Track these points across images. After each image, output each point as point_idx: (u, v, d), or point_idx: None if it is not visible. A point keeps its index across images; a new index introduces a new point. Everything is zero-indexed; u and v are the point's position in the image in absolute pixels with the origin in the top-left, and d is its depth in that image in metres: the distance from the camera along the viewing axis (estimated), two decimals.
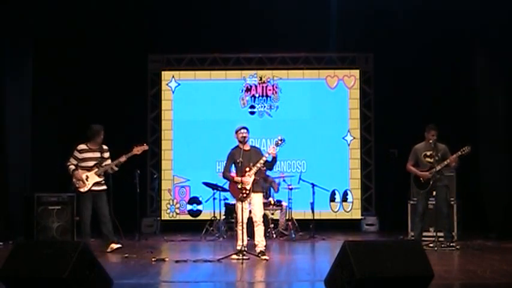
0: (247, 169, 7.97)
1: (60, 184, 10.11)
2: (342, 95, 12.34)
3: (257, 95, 12.34)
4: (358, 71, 12.39)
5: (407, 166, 9.05)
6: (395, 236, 9.84)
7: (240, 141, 8.15)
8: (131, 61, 11.85)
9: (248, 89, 12.35)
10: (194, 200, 12.02)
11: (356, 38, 11.90)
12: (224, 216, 10.54)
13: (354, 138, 12.24)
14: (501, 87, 10.61)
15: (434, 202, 9.03)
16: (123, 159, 8.73)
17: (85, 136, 8.93)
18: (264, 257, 7.82)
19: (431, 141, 8.78)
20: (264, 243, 8.06)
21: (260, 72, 12.39)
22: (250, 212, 8.18)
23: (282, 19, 11.28)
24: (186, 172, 12.22)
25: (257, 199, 8.08)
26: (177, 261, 7.59)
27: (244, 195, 7.93)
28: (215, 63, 12.48)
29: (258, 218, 8.04)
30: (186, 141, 12.28)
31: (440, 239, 8.73)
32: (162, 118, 12.37)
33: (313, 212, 10.74)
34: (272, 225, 10.40)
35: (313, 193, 10.70)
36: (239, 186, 7.90)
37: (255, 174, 7.99)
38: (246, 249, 7.76)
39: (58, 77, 11.52)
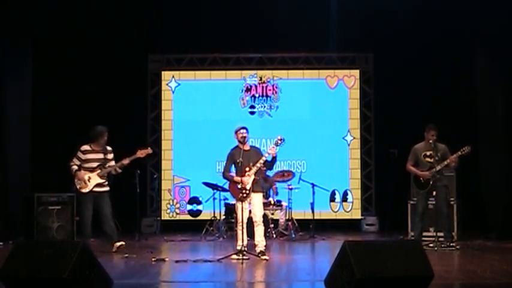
0: (247, 169, 7.97)
1: (60, 184, 10.11)
2: (342, 95, 12.34)
3: (257, 95, 12.34)
4: (358, 71, 12.38)
5: (407, 166, 9.05)
6: (395, 236, 9.84)
7: (239, 141, 8.15)
8: (131, 61, 11.85)
9: (248, 89, 12.35)
10: (194, 200, 12.02)
11: (356, 38, 11.89)
12: (224, 216, 10.54)
13: (354, 138, 12.24)
14: (501, 87, 10.61)
15: (434, 202, 9.03)
16: (126, 161, 8.71)
17: (88, 136, 8.91)
18: (264, 257, 7.82)
19: (431, 141, 8.78)
20: (264, 243, 8.06)
21: (260, 72, 12.39)
22: (250, 212, 8.18)
23: (282, 19, 11.28)
24: (186, 172, 12.22)
25: (257, 199, 8.08)
26: (177, 261, 7.59)
27: (244, 195, 7.92)
28: (215, 63, 12.48)
29: (258, 218, 8.04)
30: (186, 141, 12.28)
31: (440, 239, 8.73)
32: (162, 118, 12.37)
33: (313, 212, 10.74)
34: (272, 225, 10.40)
35: (313, 193, 10.71)
36: (239, 186, 7.89)
37: (255, 174, 7.99)
38: (246, 249, 7.76)
39: (58, 77, 11.52)
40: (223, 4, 11.52)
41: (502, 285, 6.11)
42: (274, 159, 8.04)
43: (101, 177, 8.63)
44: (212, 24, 11.72)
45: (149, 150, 8.91)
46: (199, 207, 11.97)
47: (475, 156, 9.84)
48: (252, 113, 12.30)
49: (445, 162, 8.68)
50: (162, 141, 12.35)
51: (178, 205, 12.24)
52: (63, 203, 9.67)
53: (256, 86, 12.36)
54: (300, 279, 6.73)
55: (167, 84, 12.43)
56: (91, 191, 8.57)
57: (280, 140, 7.98)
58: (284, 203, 10.69)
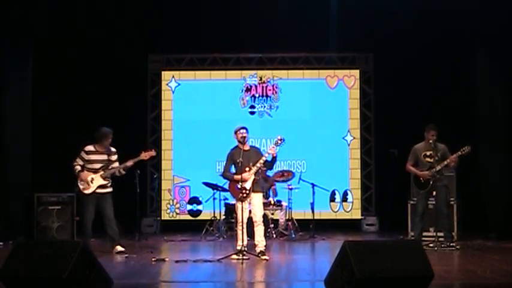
0: (247, 169, 7.96)
1: (60, 184, 10.12)
2: (342, 95, 12.34)
3: (257, 95, 12.34)
4: (358, 71, 12.39)
5: (407, 166, 9.05)
6: (395, 236, 9.84)
7: (239, 141, 8.14)
8: (131, 61, 11.85)
9: (248, 89, 12.35)
10: (194, 200, 12.02)
11: (356, 38, 11.89)
12: (224, 216, 10.54)
13: (354, 138, 12.24)
14: (501, 87, 10.61)
15: (434, 202, 9.03)
16: (130, 163, 8.69)
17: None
18: (264, 257, 7.82)
19: (431, 141, 8.78)
20: (264, 243, 8.06)
21: (260, 72, 12.39)
22: (250, 212, 8.18)
23: (282, 19, 11.28)
24: (186, 172, 12.22)
25: (257, 199, 8.08)
26: (177, 261, 7.59)
27: (244, 195, 7.92)
28: (215, 63, 12.48)
29: (258, 218, 8.04)
30: (186, 141, 12.28)
31: (440, 239, 8.72)
32: (162, 118, 12.37)
33: (313, 212, 10.74)
34: (272, 225, 10.40)
35: (313, 193, 10.70)
36: (239, 186, 7.89)
37: (255, 174, 7.99)
38: (246, 249, 7.76)
39: (58, 77, 11.53)
40: (223, 4, 11.52)
41: (502, 285, 6.11)
42: (274, 159, 8.04)
43: (104, 178, 8.59)
44: (212, 24, 11.72)
45: (153, 153, 8.93)
46: (199, 207, 11.97)
47: (475, 156, 9.84)
48: (252, 113, 12.30)
49: (445, 162, 8.68)
50: (162, 141, 12.35)
51: (178, 205, 12.24)
52: (63, 203, 9.67)
53: (256, 86, 12.36)
54: (300, 279, 6.73)
55: (167, 84, 12.43)
56: (93, 192, 8.54)
57: (280, 140, 7.98)
58: (284, 203, 10.69)
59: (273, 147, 7.99)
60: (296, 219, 10.75)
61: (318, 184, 10.85)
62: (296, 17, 11.42)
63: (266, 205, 10.05)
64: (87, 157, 8.61)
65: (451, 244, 8.72)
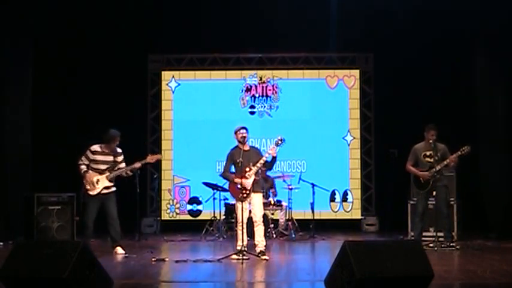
0: (247, 169, 7.96)
1: (60, 184, 10.11)
2: (342, 95, 12.34)
3: (257, 95, 12.34)
4: (358, 71, 12.39)
5: (407, 166, 9.04)
6: (395, 236, 9.83)
7: (239, 142, 8.14)
8: (131, 61, 11.85)
9: (248, 89, 12.35)
10: (194, 200, 12.02)
11: (356, 38, 11.89)
12: (224, 216, 10.54)
13: (354, 138, 12.25)
14: (501, 87, 10.61)
15: (434, 202, 9.03)
16: (138, 165, 8.68)
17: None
18: (264, 257, 7.82)
19: (431, 141, 8.78)
20: (264, 243, 8.06)
21: (260, 72, 12.39)
22: (250, 212, 8.18)
23: (282, 19, 11.28)
24: (186, 172, 12.22)
25: (257, 199, 8.07)
26: (177, 261, 7.59)
27: (245, 195, 7.92)
28: (215, 63, 12.48)
29: (258, 218, 8.04)
30: (186, 141, 12.28)
31: (440, 239, 8.72)
32: (162, 118, 12.37)
33: (313, 212, 10.74)
34: (272, 225, 10.40)
35: (313, 193, 10.70)
36: (239, 186, 7.89)
37: (255, 174, 7.98)
38: (246, 249, 7.76)
39: (58, 77, 11.53)
40: (223, 4, 11.52)
41: (502, 285, 6.10)
42: (274, 159, 8.04)
43: (109, 180, 8.56)
44: (212, 24, 11.72)
45: (159, 156, 9.06)
46: (199, 207, 11.98)
47: (475, 156, 9.84)
48: (252, 113, 12.30)
49: (445, 162, 8.67)
50: (162, 141, 12.35)
51: (178, 205, 12.24)
52: (63, 203, 9.66)
53: (256, 86, 12.36)
54: (300, 279, 6.72)
55: (167, 84, 12.43)
56: (98, 193, 8.53)
57: (281, 140, 7.97)
58: (284, 203, 10.69)
59: (273, 147, 7.98)
60: (296, 219, 10.75)
61: (318, 184, 10.85)
62: (296, 17, 11.42)
63: (266, 205, 10.05)
64: (92, 157, 8.56)
65: (451, 244, 8.71)
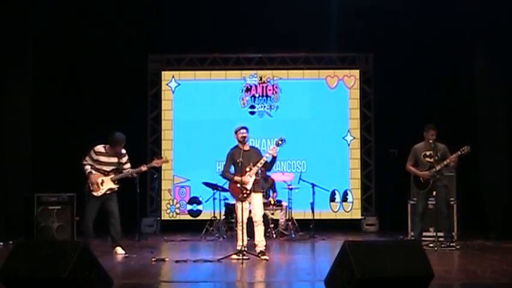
0: (248, 169, 7.96)
1: (60, 184, 10.11)
2: (342, 95, 12.34)
3: (257, 95, 12.35)
4: (358, 71, 12.39)
5: (407, 166, 9.04)
6: (395, 236, 9.83)
7: (239, 141, 8.13)
8: (131, 61, 11.85)
9: (248, 89, 12.36)
10: (194, 200, 12.02)
11: (356, 38, 11.90)
12: (224, 216, 10.54)
13: (354, 138, 12.25)
14: (501, 87, 10.61)
15: (434, 202, 9.03)
16: (144, 168, 8.68)
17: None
18: (264, 257, 7.82)
19: (430, 141, 8.77)
20: (264, 243, 8.06)
21: (260, 72, 12.39)
22: (250, 212, 8.17)
23: (282, 19, 11.29)
24: (186, 172, 12.22)
25: (257, 199, 8.07)
26: (177, 261, 7.59)
27: (245, 195, 7.92)
28: (215, 63, 12.48)
29: (258, 218, 8.03)
30: (186, 141, 12.29)
31: (440, 239, 8.72)
32: (162, 118, 12.38)
33: (313, 212, 10.74)
34: (272, 225, 10.40)
35: (313, 193, 10.71)
36: (239, 186, 7.88)
37: (255, 174, 7.98)
38: (246, 249, 7.76)
39: (58, 77, 11.53)
40: (223, 4, 11.52)
41: (502, 285, 6.10)
42: (274, 159, 8.04)
43: (114, 182, 8.53)
44: (212, 24, 11.73)
45: (165, 160, 9.12)
46: (199, 207, 11.98)
47: (475, 156, 9.84)
48: (252, 113, 12.30)
49: (445, 162, 8.67)
50: (162, 141, 12.35)
51: (178, 205, 12.25)
52: (63, 203, 9.66)
53: (256, 86, 12.36)
54: (300, 279, 6.72)
55: (167, 84, 12.43)
56: (102, 194, 8.50)
57: (281, 140, 7.97)
58: (284, 203, 10.70)
59: (274, 147, 7.98)
60: (296, 219, 10.75)
61: (318, 184, 10.85)
62: (296, 17, 11.42)
63: (266, 205, 10.05)
64: (96, 157, 8.51)
65: (451, 244, 8.71)
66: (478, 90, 11.03)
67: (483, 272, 6.66)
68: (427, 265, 5.28)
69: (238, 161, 7.92)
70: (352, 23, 11.50)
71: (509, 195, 10.34)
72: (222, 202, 10.46)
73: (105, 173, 8.51)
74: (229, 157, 8.15)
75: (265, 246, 8.10)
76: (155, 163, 8.83)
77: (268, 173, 10.07)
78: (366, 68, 12.41)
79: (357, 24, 11.57)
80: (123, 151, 8.66)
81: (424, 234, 9.20)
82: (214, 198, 10.53)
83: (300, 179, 10.89)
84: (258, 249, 7.97)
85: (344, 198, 12.15)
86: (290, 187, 10.68)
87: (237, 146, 8.17)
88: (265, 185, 10.23)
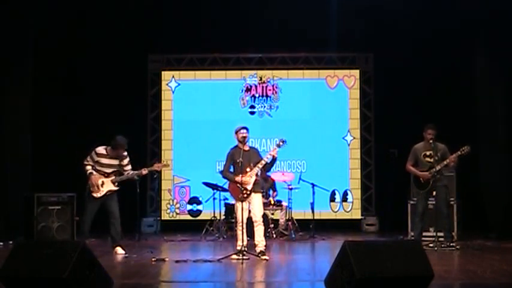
0: (248, 169, 7.96)
1: (60, 184, 10.11)
2: (342, 95, 12.34)
3: (257, 95, 12.35)
4: (358, 71, 12.39)
5: (407, 166, 9.04)
6: (395, 236, 9.83)
7: (239, 141, 8.13)
8: (131, 61, 11.85)
9: (248, 89, 12.36)
10: (194, 200, 12.02)
11: (356, 38, 11.90)
12: (224, 216, 10.54)
13: (354, 138, 12.25)
14: (501, 87, 10.61)
15: (434, 202, 9.03)
16: (145, 171, 8.69)
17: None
18: (264, 257, 7.81)
19: (430, 141, 8.77)
20: (264, 243, 8.05)
21: (260, 72, 12.39)
22: (249, 212, 8.17)
23: (282, 19, 11.29)
24: (186, 172, 12.22)
25: (257, 199, 8.06)
26: (177, 261, 7.58)
27: (245, 195, 7.91)
28: (215, 63, 12.48)
29: (257, 218, 8.03)
30: (186, 141, 12.29)
31: (440, 239, 8.72)
32: (162, 118, 12.38)
33: (313, 212, 10.74)
34: (272, 225, 10.40)
35: (313, 193, 10.71)
36: (239, 186, 7.88)
37: (255, 175, 7.98)
38: (246, 249, 7.76)
39: (58, 77, 11.53)
40: (223, 4, 11.52)
41: (502, 285, 6.10)
42: (274, 160, 8.03)
43: (114, 184, 8.51)
44: (212, 24, 11.73)
45: (165, 164, 9.22)
46: (199, 207, 11.98)
47: (475, 156, 9.84)
48: (252, 113, 12.30)
49: (445, 162, 8.67)
50: (162, 141, 12.35)
51: (178, 205, 12.25)
52: (63, 203, 9.66)
53: (256, 86, 12.36)
54: (300, 279, 6.72)
55: (167, 84, 12.43)
56: (102, 196, 8.50)
57: (282, 141, 7.97)
58: (284, 203, 10.69)
59: (275, 148, 7.98)
60: (296, 219, 10.75)
61: (318, 184, 10.85)
62: (296, 17, 11.42)
63: (266, 205, 10.05)
64: (96, 158, 8.49)
65: (451, 244, 8.71)
66: (478, 90, 11.03)
67: (483, 272, 6.66)
68: (427, 265, 5.28)
69: (238, 161, 7.92)
70: (352, 23, 11.49)
71: (509, 195, 10.34)
72: (222, 202, 10.46)
73: (106, 175, 8.50)
74: (229, 157, 8.15)
75: (265, 246, 8.10)
76: (156, 167, 8.86)
77: (268, 173, 10.06)
78: (366, 68, 12.41)
79: (357, 24, 11.56)
80: (125, 153, 8.64)
81: (424, 234, 9.20)
82: (214, 198, 10.53)
83: (300, 179, 10.89)
84: (258, 249, 7.97)
85: (344, 198, 12.15)
86: (290, 187, 10.68)
87: (237, 146, 8.17)
88: (265, 185, 10.23)
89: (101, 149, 8.53)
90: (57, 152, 11.13)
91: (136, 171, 8.65)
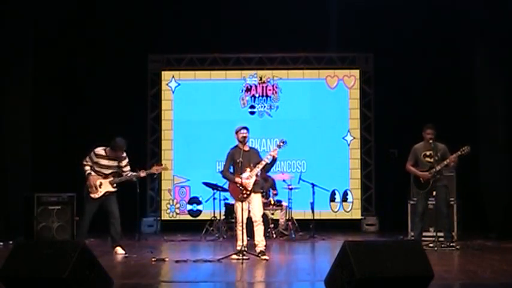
0: (248, 170, 7.95)
1: (60, 184, 10.11)
2: (342, 95, 12.34)
3: (257, 95, 12.34)
4: (358, 71, 12.38)
5: (407, 166, 9.04)
6: (395, 236, 9.83)
7: (240, 141, 8.12)
8: (131, 61, 11.86)
9: (248, 89, 12.35)
10: (194, 200, 12.02)
11: (356, 38, 11.90)
12: (224, 216, 10.54)
13: (354, 138, 12.25)
14: (501, 87, 10.61)
15: (434, 202, 9.03)
16: (143, 174, 8.69)
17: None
18: (264, 257, 7.81)
19: (430, 141, 8.77)
20: (264, 243, 8.05)
21: (260, 72, 12.39)
22: (249, 212, 8.16)
23: (282, 19, 11.29)
24: (186, 172, 12.22)
25: (256, 199, 8.06)
26: (177, 261, 7.58)
27: (245, 195, 7.91)
28: (215, 63, 12.47)
29: (257, 218, 8.02)
30: (186, 141, 12.28)
31: (440, 239, 8.71)
32: (162, 118, 12.37)
33: (313, 212, 10.74)
34: (272, 225, 10.40)
35: (313, 193, 10.70)
36: (239, 186, 7.88)
37: (255, 175, 7.98)
38: (246, 249, 7.76)
39: (58, 77, 11.53)
40: (223, 4, 11.52)
41: (502, 285, 6.10)
42: (273, 161, 8.03)
43: (112, 185, 8.50)
44: (212, 24, 11.73)
45: (164, 167, 9.15)
46: (199, 207, 11.98)
47: (475, 156, 9.84)
48: (252, 113, 12.30)
49: (445, 162, 8.66)
50: (162, 141, 12.35)
51: (178, 205, 12.24)
52: (63, 203, 9.66)
53: (256, 86, 12.36)
54: (300, 279, 6.72)
55: (167, 84, 12.43)
56: (100, 197, 8.49)
57: (283, 142, 7.97)
58: (284, 203, 10.69)
59: (275, 149, 7.98)
60: (296, 219, 10.75)
61: (318, 184, 10.85)
62: (296, 17, 11.42)
63: (266, 205, 10.06)
64: (95, 159, 8.48)
65: (451, 244, 8.71)
66: (478, 90, 11.03)
67: (483, 272, 6.66)
68: (427, 265, 5.28)
69: (238, 161, 7.92)
70: (352, 23, 11.50)
71: (509, 195, 10.34)
72: (222, 202, 10.46)
73: (104, 176, 8.50)
74: (229, 157, 8.15)
75: (265, 246, 8.09)
76: (154, 169, 8.83)
77: (268, 173, 10.06)
78: (366, 68, 12.41)
79: (357, 24, 11.57)
80: (124, 154, 8.62)
81: (424, 234, 9.20)
82: (214, 198, 10.53)
83: (300, 179, 10.89)
84: (258, 249, 7.96)
85: (344, 198, 12.15)
86: (290, 187, 10.68)
87: (237, 146, 8.16)
88: (265, 185, 10.23)
89: (100, 150, 8.52)
90: (57, 152, 11.14)
91: (134, 173, 8.64)
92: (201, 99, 12.34)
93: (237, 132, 8.12)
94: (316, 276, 6.62)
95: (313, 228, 10.55)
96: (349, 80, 12.36)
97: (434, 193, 8.85)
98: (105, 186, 8.48)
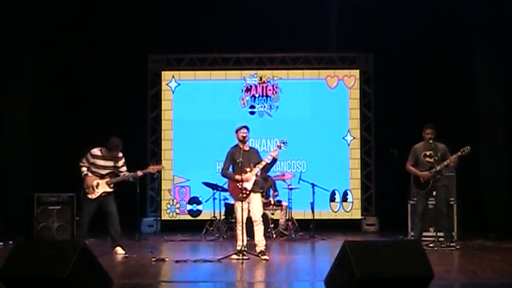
0: (248, 169, 7.95)
1: (60, 184, 10.11)
2: (342, 95, 12.34)
3: (257, 95, 12.34)
4: (358, 71, 12.38)
5: (407, 166, 9.03)
6: (395, 236, 9.83)
7: (240, 141, 8.12)
8: (131, 61, 11.86)
9: (248, 89, 12.35)
10: (194, 200, 12.02)
11: (356, 38, 11.90)
12: (224, 216, 10.54)
13: (354, 138, 12.24)
14: (501, 87, 10.61)
15: (434, 202, 9.02)
16: (140, 173, 8.69)
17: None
18: (264, 257, 7.81)
19: (430, 141, 8.77)
20: (264, 243, 8.05)
21: (260, 72, 12.39)
22: (249, 211, 8.16)
23: (282, 19, 11.29)
24: (186, 172, 12.22)
25: (256, 199, 8.06)
26: (177, 261, 7.58)
27: (245, 195, 7.91)
28: (215, 63, 12.47)
29: (257, 218, 8.02)
30: (186, 141, 12.28)
31: (440, 239, 8.71)
32: (162, 118, 12.37)
33: (313, 212, 10.74)
34: (272, 225, 10.40)
35: (313, 193, 10.71)
36: (239, 186, 7.87)
37: (255, 175, 7.98)
38: (246, 249, 7.76)
39: (58, 77, 11.53)
40: (223, 4, 11.52)
41: (502, 285, 6.10)
42: (273, 161, 8.03)
43: (109, 185, 8.50)
44: (212, 24, 11.73)
45: (160, 167, 9.18)
46: (199, 207, 11.98)
47: (475, 156, 9.83)
48: (252, 113, 12.30)
49: (445, 163, 8.66)
50: (162, 141, 12.35)
51: (178, 205, 12.24)
52: (63, 203, 9.67)
53: (256, 86, 12.36)
54: (300, 279, 6.72)
55: (167, 84, 12.43)
56: (97, 197, 8.49)
57: (283, 143, 7.97)
58: (284, 203, 10.69)
59: (276, 149, 7.98)
60: (296, 219, 10.75)
61: (318, 184, 10.85)
62: (296, 17, 11.42)
63: (266, 205, 10.06)
64: (92, 160, 8.48)
65: (451, 244, 8.71)
66: (478, 90, 11.03)
67: (483, 272, 6.66)
68: (427, 265, 5.28)
69: (238, 160, 7.91)
70: (352, 23, 11.50)
71: (509, 195, 10.34)
72: (222, 202, 10.46)
73: (101, 176, 8.50)
74: (229, 156, 8.14)
75: (265, 246, 8.09)
76: (151, 169, 8.82)
77: (267, 174, 10.06)
78: (366, 68, 12.41)
79: (357, 24, 11.57)
80: (120, 154, 8.63)
81: (424, 234, 9.19)
82: (214, 198, 10.53)
83: (300, 179, 10.89)
84: (258, 249, 7.96)
85: (344, 198, 12.15)
86: (290, 187, 10.68)
87: (237, 145, 8.16)
88: (265, 185, 10.23)
89: (96, 151, 8.52)
90: (57, 152, 11.14)
91: (131, 173, 8.64)
92: (201, 99, 12.34)
93: (237, 132, 8.11)
94: (316, 276, 6.62)
95: (313, 228, 10.55)
96: (349, 80, 12.36)
97: (434, 193, 8.85)
98: (102, 187, 8.47)
